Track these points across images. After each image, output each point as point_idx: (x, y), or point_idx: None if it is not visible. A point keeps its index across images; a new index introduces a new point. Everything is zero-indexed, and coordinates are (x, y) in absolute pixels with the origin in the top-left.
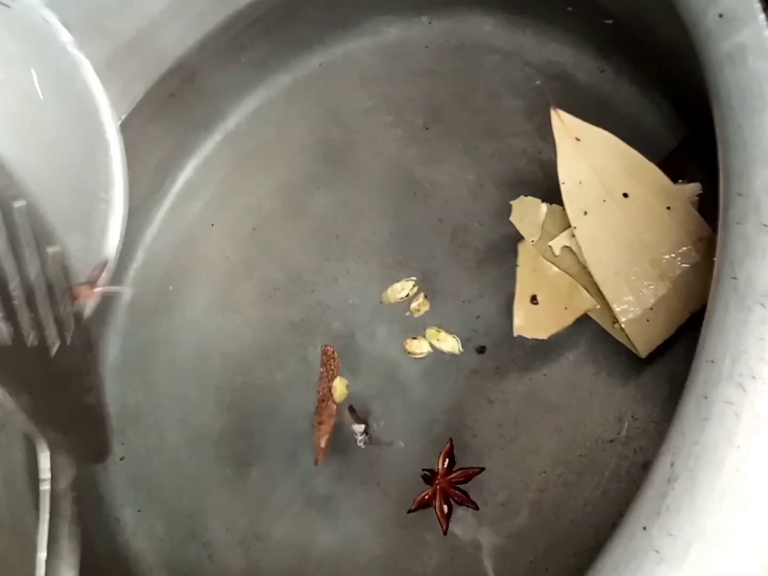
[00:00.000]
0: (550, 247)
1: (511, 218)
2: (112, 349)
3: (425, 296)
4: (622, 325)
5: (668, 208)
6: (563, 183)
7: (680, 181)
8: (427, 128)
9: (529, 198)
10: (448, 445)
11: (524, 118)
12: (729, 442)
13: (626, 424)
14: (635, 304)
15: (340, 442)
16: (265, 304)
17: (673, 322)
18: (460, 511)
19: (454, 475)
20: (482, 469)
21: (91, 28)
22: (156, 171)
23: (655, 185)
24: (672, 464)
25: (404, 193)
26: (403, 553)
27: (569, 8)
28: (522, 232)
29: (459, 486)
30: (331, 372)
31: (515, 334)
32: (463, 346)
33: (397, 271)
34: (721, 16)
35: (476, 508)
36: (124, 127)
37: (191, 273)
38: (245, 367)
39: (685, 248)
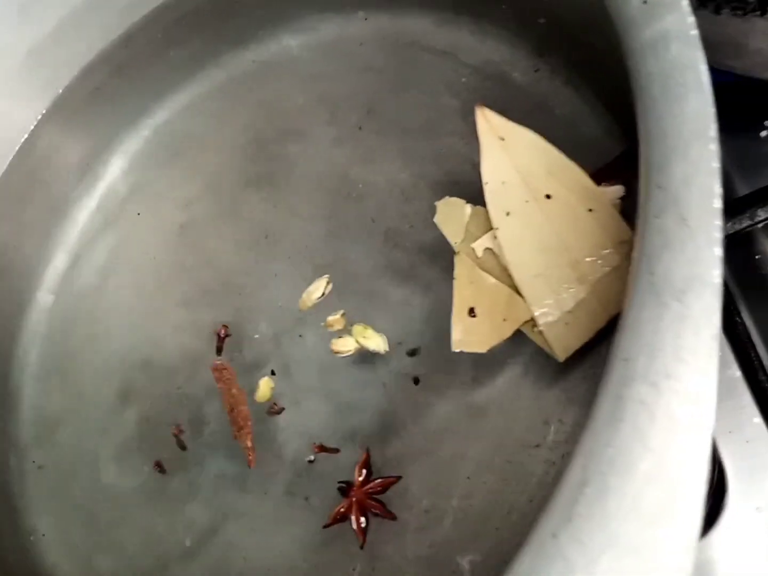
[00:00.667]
0: (473, 249)
1: (435, 219)
2: (31, 356)
3: (343, 314)
4: (541, 329)
5: (590, 210)
6: (486, 183)
7: (603, 183)
8: (360, 128)
9: (454, 199)
10: (364, 455)
11: (459, 117)
12: (642, 444)
13: (553, 428)
14: (554, 308)
15: (263, 453)
16: (192, 308)
17: (592, 326)
18: (384, 520)
19: (370, 485)
20: (399, 477)
21: (12, 16)
22: (79, 168)
23: (578, 186)
24: (584, 468)
25: (337, 194)
26: (326, 566)
27: (504, 6)
28: (446, 234)
29: (376, 497)
30: (228, 382)
31: (454, 349)
32: (394, 350)
33: (328, 273)
34: (645, 2)
35: (394, 518)
36: (46, 121)
37: (115, 276)
38: (168, 374)
39: (606, 251)
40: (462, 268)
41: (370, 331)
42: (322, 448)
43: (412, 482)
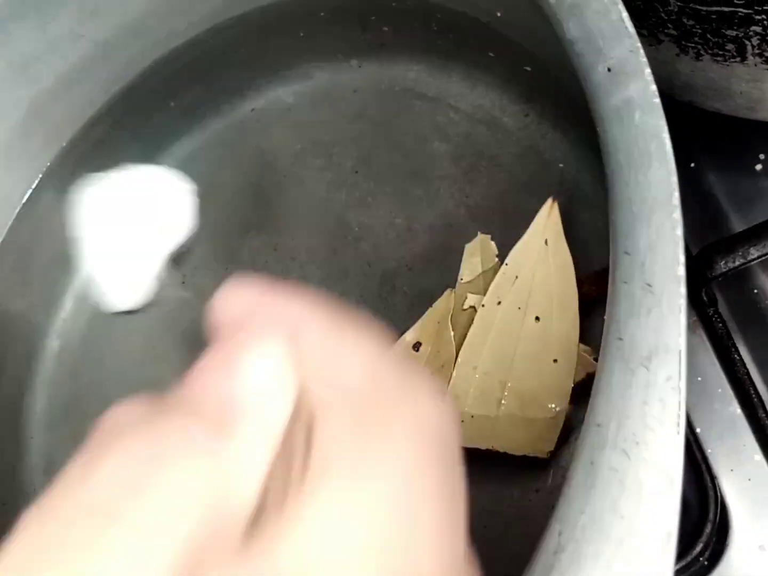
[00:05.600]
0: (464, 297)
1: (467, 245)
2: (39, 402)
3: None
4: None
5: (555, 360)
6: (506, 264)
7: (588, 346)
8: (356, 172)
9: (493, 244)
10: None
11: (451, 161)
12: (613, 511)
13: (552, 471)
14: (465, 400)
15: None
16: (194, 354)
17: (476, 440)
18: None
19: None
20: None
21: (13, 75)
22: None
23: (561, 333)
24: (559, 534)
25: (334, 237)
26: None
27: (491, 53)
28: (463, 265)
29: None
30: None
31: None
32: None
33: None
34: (609, 70)
35: None
36: (50, 175)
37: (121, 321)
38: None
39: (532, 400)
40: (444, 304)
41: None
42: None
43: None
